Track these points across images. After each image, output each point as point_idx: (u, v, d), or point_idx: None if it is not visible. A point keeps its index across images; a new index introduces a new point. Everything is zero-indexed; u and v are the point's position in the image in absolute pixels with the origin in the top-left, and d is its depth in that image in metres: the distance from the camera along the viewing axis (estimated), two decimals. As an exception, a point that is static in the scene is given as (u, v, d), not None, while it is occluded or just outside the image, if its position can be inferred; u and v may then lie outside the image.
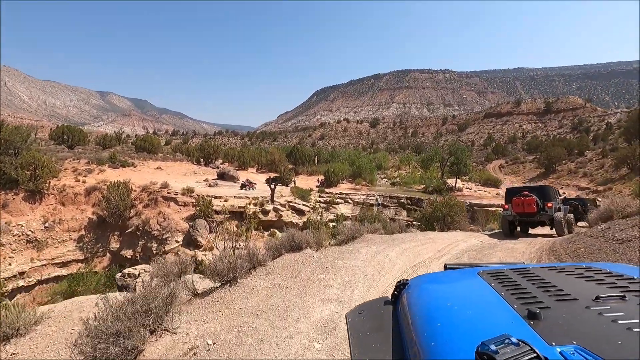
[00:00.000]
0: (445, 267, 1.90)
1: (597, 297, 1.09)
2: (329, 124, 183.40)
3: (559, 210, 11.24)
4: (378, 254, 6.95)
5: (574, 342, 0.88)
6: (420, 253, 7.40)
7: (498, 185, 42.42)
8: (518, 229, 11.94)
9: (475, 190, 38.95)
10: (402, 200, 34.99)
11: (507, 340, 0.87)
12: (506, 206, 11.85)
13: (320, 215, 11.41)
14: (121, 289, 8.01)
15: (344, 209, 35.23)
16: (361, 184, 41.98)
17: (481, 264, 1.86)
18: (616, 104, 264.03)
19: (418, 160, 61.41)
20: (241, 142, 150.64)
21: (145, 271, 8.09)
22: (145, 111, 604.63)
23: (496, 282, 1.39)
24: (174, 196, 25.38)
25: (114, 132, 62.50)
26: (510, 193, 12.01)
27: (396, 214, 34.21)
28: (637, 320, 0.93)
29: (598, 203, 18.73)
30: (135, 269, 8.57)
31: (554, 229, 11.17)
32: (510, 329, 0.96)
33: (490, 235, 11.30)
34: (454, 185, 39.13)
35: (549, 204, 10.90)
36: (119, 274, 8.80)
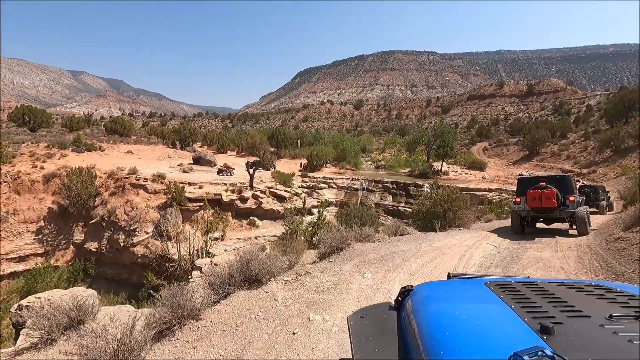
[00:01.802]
0: (449, 276, 1.82)
1: (611, 316, 1.06)
2: (312, 106, 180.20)
3: (580, 204, 9.66)
4: (376, 290, 5.00)
5: None
6: (433, 279, 5.49)
7: (483, 168, 41.90)
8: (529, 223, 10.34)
9: (461, 174, 38.27)
10: (388, 185, 33.94)
11: (540, 353, 0.84)
12: (518, 199, 10.03)
13: (295, 223, 9.55)
14: (16, 326, 6.36)
15: (328, 194, 33.93)
16: (345, 168, 40.67)
17: (486, 275, 1.79)
18: (592, 87, 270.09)
19: (403, 143, 60.49)
20: (222, 124, 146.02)
21: (49, 300, 6.33)
22: (121, 92, 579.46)
23: (504, 294, 1.34)
24: (144, 183, 23.35)
25: (83, 113, 58.48)
26: (524, 184, 10.25)
27: (382, 198, 33.20)
28: None
29: (607, 190, 17.84)
30: (39, 297, 6.80)
31: (574, 226, 9.59)
32: (522, 342, 0.94)
33: (498, 235, 9.78)
34: (439, 168, 38.30)
35: (571, 198, 9.26)
36: (16, 307, 6.94)
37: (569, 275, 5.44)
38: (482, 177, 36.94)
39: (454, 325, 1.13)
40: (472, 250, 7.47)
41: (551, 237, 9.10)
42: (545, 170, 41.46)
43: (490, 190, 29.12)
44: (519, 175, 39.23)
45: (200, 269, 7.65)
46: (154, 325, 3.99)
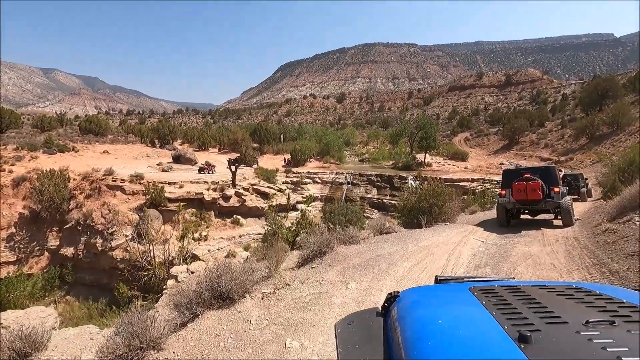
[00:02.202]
0: (437, 280, 1.84)
1: (587, 322, 1.07)
2: (294, 100, 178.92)
3: (564, 194, 9.59)
4: (361, 303, 4.55)
5: None
6: (421, 284, 5.18)
7: (465, 158, 42.42)
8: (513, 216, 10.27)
9: (444, 165, 38.63)
10: (372, 178, 33.93)
11: None
12: (503, 192, 9.92)
13: (276, 224, 9.07)
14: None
15: (313, 189, 33.68)
16: (329, 162, 40.45)
17: (473, 278, 1.80)
18: (567, 76, 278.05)
19: (386, 136, 60.67)
20: (203, 120, 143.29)
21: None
22: (96, 89, 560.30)
23: (487, 299, 1.37)
24: (121, 184, 22.49)
25: (55, 112, 56.10)
26: (509, 176, 10.05)
27: (366, 192, 33.19)
28: (626, 349, 0.92)
29: (585, 177, 18.13)
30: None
31: (559, 217, 9.56)
32: (500, 351, 0.98)
33: (485, 229, 9.64)
34: (423, 160, 38.55)
35: (556, 189, 9.18)
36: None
37: (560, 273, 5.32)
38: (465, 168, 37.40)
39: (436, 334, 1.16)
40: (460, 248, 7.25)
41: (537, 230, 9.03)
42: (525, 159, 42.35)
43: (472, 180, 29.46)
44: (501, 164, 39.96)
45: (176, 277, 7.23)
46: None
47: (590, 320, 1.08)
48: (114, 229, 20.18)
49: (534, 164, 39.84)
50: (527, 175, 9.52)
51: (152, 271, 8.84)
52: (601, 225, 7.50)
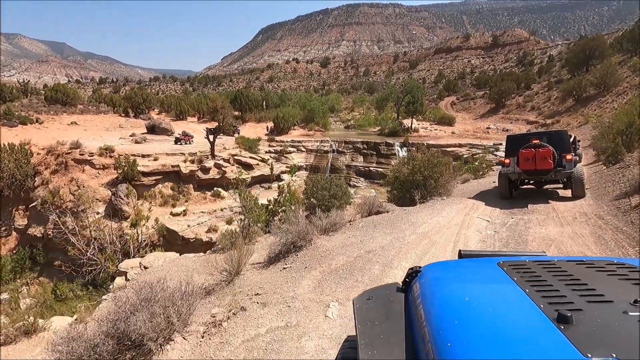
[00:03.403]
0: (460, 254, 1.74)
1: (636, 301, 0.97)
2: (277, 65, 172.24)
3: (577, 162, 8.45)
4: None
5: (613, 355, 0.79)
6: None
7: (452, 123, 41.71)
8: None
9: (431, 130, 37.87)
10: (358, 145, 33.04)
11: None
12: (507, 161, 8.70)
13: (248, 204, 7.60)
14: None
15: (297, 158, 32.67)
16: (314, 130, 39.12)
17: (499, 252, 1.70)
18: (552, 37, 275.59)
19: (372, 101, 59.14)
20: (181, 88, 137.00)
21: None
22: (66, 56, 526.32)
23: (518, 276, 1.25)
24: (89, 158, 20.93)
25: (17, 80, 52.07)
26: (514, 143, 8.81)
27: (352, 160, 32.40)
28: None
29: (578, 139, 17.59)
30: None
31: (568, 188, 8.49)
32: (537, 334, 0.90)
33: (485, 203, 8.53)
34: (410, 126, 37.64)
35: (568, 157, 8.02)
36: None
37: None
38: (452, 133, 36.77)
39: (463, 314, 1.06)
40: (464, 231, 6.28)
41: (545, 203, 8.15)
42: (512, 123, 41.93)
43: (460, 145, 28.92)
44: (487, 128, 39.45)
45: (125, 274, 6.23)
46: None
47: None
48: (84, 207, 18.90)
49: (520, 127, 39.44)
50: (536, 142, 8.39)
51: (100, 265, 7.84)
52: (628, 200, 6.62)
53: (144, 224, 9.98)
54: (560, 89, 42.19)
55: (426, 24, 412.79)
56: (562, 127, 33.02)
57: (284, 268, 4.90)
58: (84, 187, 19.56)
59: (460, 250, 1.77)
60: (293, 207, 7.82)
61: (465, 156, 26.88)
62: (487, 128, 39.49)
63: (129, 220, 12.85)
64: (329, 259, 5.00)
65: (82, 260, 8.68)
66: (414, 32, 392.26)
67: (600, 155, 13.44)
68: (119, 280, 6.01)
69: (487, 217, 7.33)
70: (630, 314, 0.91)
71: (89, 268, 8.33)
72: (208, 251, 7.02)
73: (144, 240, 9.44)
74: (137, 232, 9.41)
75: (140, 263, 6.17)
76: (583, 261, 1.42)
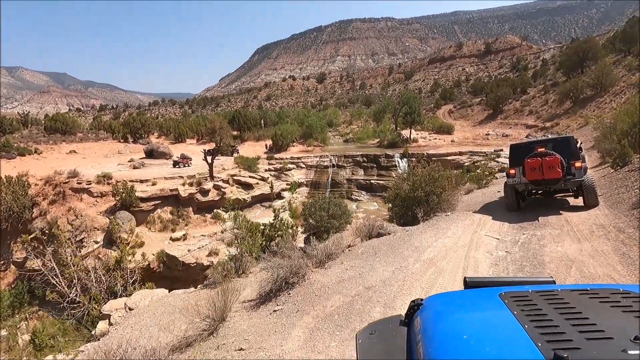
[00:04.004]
0: (466, 282, 1.74)
1: (637, 337, 0.94)
2: (274, 83, 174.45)
3: (587, 169, 8.14)
4: None
5: None
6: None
7: (451, 131, 41.59)
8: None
9: (430, 140, 37.72)
10: (358, 158, 32.81)
11: None
12: (512, 171, 8.26)
13: (242, 233, 6.98)
14: None
15: (297, 175, 32.41)
16: (313, 145, 39.04)
17: (506, 279, 1.68)
18: (544, 41, 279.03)
19: (369, 114, 59.33)
20: (181, 111, 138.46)
21: None
22: (67, 86, 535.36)
23: (519, 309, 1.27)
24: (87, 186, 20.74)
25: (17, 112, 52.66)
26: (518, 151, 8.36)
27: (353, 173, 32.11)
28: None
29: (580, 142, 17.30)
30: None
31: (580, 197, 7.98)
32: None
33: (492, 217, 8.00)
34: (408, 136, 37.51)
35: (577, 164, 7.62)
36: None
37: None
38: (452, 141, 36.59)
39: (461, 353, 1.08)
40: (473, 253, 5.72)
41: (556, 214, 7.61)
42: (511, 128, 41.75)
43: (460, 153, 28.63)
44: (487, 135, 39.24)
45: (109, 317, 5.77)
46: None
47: None
48: (82, 236, 18.61)
49: (520, 132, 39.23)
50: (542, 150, 7.92)
51: (84, 307, 7.37)
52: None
53: (130, 259, 9.43)
54: (556, 91, 42.18)
55: (419, 35, 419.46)
56: (562, 130, 32.82)
57: (275, 311, 4.45)
58: (82, 216, 19.30)
59: (465, 278, 1.76)
60: (291, 231, 7.47)
61: (466, 164, 26.55)
62: (486, 134, 39.30)
63: (114, 255, 12.31)
64: (324, 299, 4.51)
65: (62, 305, 8.27)
66: (407, 44, 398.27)
67: (606, 157, 13.11)
68: (102, 325, 5.55)
69: (497, 235, 6.84)
70: (629, 352, 0.89)
71: (72, 311, 7.89)
72: (199, 285, 6.57)
73: (132, 275, 8.95)
74: (127, 265, 8.94)
75: (125, 304, 5.73)
76: (587, 290, 1.40)
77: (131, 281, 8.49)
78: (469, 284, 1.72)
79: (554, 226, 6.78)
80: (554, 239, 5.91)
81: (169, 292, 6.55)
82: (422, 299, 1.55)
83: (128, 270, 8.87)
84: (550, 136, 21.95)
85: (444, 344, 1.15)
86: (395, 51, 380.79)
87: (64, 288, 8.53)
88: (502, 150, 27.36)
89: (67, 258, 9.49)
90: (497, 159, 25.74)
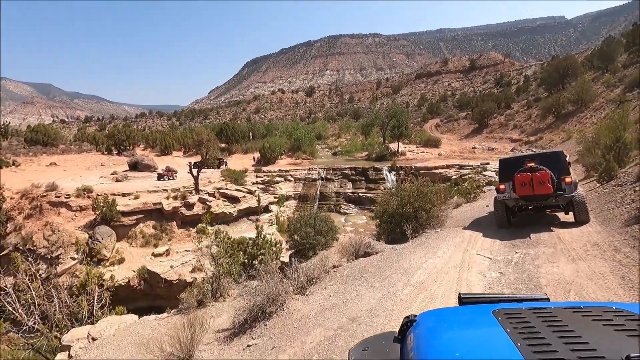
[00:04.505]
0: (460, 298, 1.74)
1: (629, 357, 0.93)
2: (263, 97, 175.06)
3: (577, 184, 8.02)
4: None
5: None
6: None
7: (438, 144, 42.06)
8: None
9: (417, 153, 37.99)
10: (346, 171, 32.69)
11: None
12: (502, 186, 8.13)
13: (220, 252, 6.51)
14: None
15: (285, 188, 32.04)
16: (301, 158, 38.83)
17: (500, 296, 1.67)
18: (525, 58, 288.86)
19: (358, 127, 59.76)
20: (168, 123, 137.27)
21: None
22: (52, 97, 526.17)
23: (512, 327, 1.26)
24: (65, 200, 19.98)
25: (-3, 124, 51.10)
26: (508, 166, 8.25)
27: (341, 186, 31.92)
28: None
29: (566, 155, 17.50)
30: None
31: (570, 213, 7.91)
32: None
33: (483, 234, 7.86)
34: (396, 149, 37.72)
35: (567, 179, 7.44)
36: None
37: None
38: (439, 154, 36.91)
39: None
40: (465, 274, 5.44)
41: (548, 231, 7.49)
42: (496, 141, 42.48)
43: (448, 167, 28.80)
44: (473, 148, 39.78)
45: (69, 349, 5.25)
46: None
47: (632, 355, 0.94)
48: (59, 252, 17.78)
49: (505, 145, 39.93)
50: (532, 164, 7.80)
51: (44, 336, 6.80)
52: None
53: (98, 282, 8.76)
54: (539, 106, 43.27)
55: (405, 51, 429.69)
56: (545, 144, 33.48)
57: (249, 345, 4.00)
58: (59, 231, 18.50)
59: (460, 294, 1.74)
60: (274, 249, 7.13)
61: (454, 177, 26.70)
62: (472, 148, 39.84)
63: (80, 279, 11.56)
64: (303, 334, 4.06)
65: (18, 334, 7.63)
66: (394, 59, 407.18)
67: (590, 171, 13.23)
68: (60, 357, 5.04)
69: (489, 254, 6.61)
70: None
71: (30, 342, 7.29)
72: (173, 310, 6.11)
73: (101, 299, 8.37)
74: (93, 289, 8.35)
75: (88, 333, 5.23)
76: (580, 308, 1.39)
77: (98, 306, 7.93)
78: (464, 300, 1.73)
79: (546, 244, 6.60)
80: (548, 258, 5.70)
81: (138, 318, 6.07)
82: (415, 315, 1.54)
83: (95, 295, 8.31)
84: (535, 150, 22.13)
85: None
86: (383, 66, 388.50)
87: (20, 316, 7.86)
88: (488, 163, 27.63)
89: (24, 280, 8.70)
90: (484, 172, 25.93)
